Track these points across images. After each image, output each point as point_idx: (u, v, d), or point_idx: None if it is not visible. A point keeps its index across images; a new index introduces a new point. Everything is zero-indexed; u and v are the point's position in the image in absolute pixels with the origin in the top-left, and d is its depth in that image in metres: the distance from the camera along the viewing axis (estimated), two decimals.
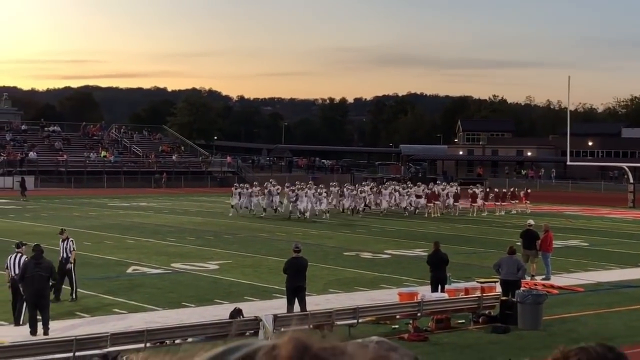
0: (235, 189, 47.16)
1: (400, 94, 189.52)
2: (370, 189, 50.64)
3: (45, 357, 14.25)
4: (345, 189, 49.57)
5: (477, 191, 51.04)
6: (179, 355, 1.19)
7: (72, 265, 20.66)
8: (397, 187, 51.13)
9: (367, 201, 48.78)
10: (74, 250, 21.01)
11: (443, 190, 51.07)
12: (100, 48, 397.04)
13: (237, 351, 1.10)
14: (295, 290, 18.33)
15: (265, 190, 46.03)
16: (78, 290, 20.69)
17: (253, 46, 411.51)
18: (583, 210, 55.12)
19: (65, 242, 20.99)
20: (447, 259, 21.20)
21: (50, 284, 17.54)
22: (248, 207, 45.68)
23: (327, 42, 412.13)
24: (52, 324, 17.19)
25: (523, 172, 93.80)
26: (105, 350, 14.61)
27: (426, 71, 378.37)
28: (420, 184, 53.75)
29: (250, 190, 46.30)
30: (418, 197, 49.58)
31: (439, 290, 20.35)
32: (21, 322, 17.40)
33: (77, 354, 14.10)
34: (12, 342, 15.27)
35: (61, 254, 20.78)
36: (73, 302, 19.97)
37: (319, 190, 46.06)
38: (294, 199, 44.92)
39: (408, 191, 49.99)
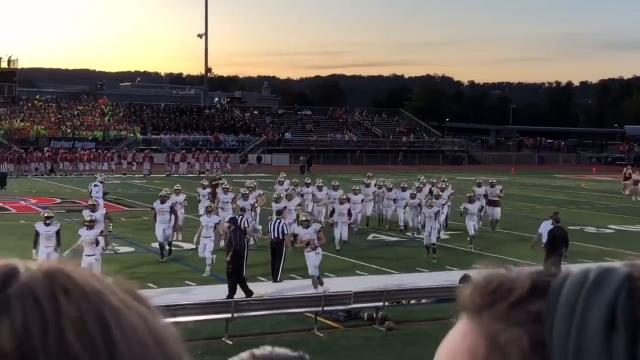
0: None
1: (625, 77, 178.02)
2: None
3: (297, 310, 14.89)
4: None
5: None
6: None
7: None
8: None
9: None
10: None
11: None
12: (346, 41, 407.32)
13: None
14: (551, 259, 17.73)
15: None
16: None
17: (482, 34, 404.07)
18: None
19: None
20: None
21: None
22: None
23: (554, 28, 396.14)
24: (301, 282, 17.83)
25: None
26: (349, 306, 15.04)
27: None
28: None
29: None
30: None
31: None
32: (278, 280, 18.29)
33: (325, 308, 14.62)
34: (269, 295, 16.10)
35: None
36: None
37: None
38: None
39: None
